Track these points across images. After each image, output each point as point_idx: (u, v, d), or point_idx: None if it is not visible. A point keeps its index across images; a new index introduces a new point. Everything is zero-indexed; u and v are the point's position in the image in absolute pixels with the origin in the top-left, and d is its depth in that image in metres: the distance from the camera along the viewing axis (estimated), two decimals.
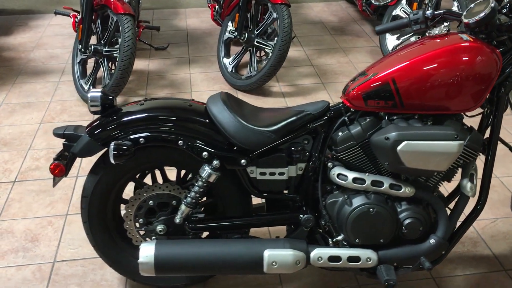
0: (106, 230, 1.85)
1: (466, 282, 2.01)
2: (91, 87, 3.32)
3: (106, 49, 3.22)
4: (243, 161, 1.69)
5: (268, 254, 1.66)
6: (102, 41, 3.25)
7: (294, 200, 1.78)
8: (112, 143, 1.62)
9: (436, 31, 1.71)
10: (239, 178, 1.74)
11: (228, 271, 1.74)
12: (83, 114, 3.19)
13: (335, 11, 4.95)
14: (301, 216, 1.75)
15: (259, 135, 1.67)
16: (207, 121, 1.71)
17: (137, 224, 1.84)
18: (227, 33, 3.59)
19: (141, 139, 1.67)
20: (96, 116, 1.75)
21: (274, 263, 1.66)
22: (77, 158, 1.79)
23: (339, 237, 1.73)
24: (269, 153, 1.71)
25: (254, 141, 1.67)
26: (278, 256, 1.66)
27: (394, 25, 1.86)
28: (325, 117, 1.73)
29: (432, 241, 1.70)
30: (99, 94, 1.72)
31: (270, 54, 3.26)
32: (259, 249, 1.68)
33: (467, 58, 1.57)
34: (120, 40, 3.06)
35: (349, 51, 4.09)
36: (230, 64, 3.56)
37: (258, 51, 3.51)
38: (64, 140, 1.77)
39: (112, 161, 1.62)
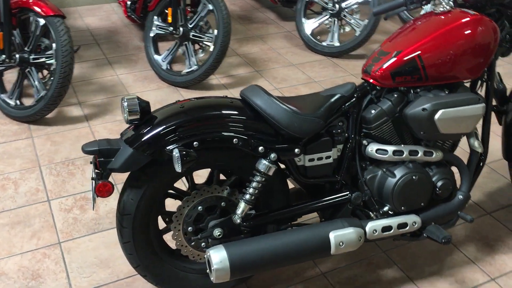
0: (150, 246, 1.72)
1: (460, 230, 2.27)
2: (17, 101, 2.96)
3: (34, 56, 2.88)
4: (297, 150, 1.70)
5: (334, 235, 1.71)
6: (26, 49, 2.89)
7: (335, 182, 1.84)
8: (176, 150, 1.51)
9: (440, 8, 1.88)
10: (281, 169, 1.75)
11: (299, 260, 1.74)
12: (16, 132, 2.83)
13: (232, 1, 5.01)
14: (350, 194, 1.83)
15: (311, 123, 1.69)
16: (254, 115, 1.68)
17: (186, 233, 1.74)
18: (154, 29, 3.44)
19: (195, 143, 1.58)
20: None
21: (341, 243, 1.71)
22: None
23: (385, 208, 1.84)
24: (315, 139, 1.74)
25: (306, 129, 1.69)
26: (343, 236, 1.71)
27: (391, 5, 1.99)
28: (354, 98, 1.81)
29: (460, 196, 1.91)
30: (137, 100, 1.58)
31: (212, 46, 3.21)
32: (324, 233, 1.71)
33: (478, 30, 1.77)
34: (54, 45, 2.76)
35: (266, 38, 4.19)
36: (163, 61, 3.42)
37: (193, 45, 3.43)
38: (95, 157, 1.59)
39: (179, 169, 1.50)
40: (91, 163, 1.65)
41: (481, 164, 2.00)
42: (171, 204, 1.92)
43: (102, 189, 1.54)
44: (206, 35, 3.30)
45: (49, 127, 2.91)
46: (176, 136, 1.57)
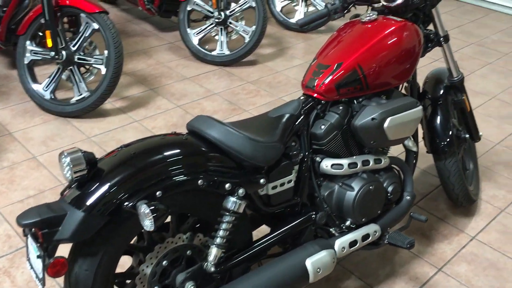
0: None
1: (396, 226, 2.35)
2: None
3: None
4: (262, 180, 1.58)
5: (310, 262, 1.63)
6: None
7: (296, 204, 1.76)
8: (144, 206, 1.29)
9: (367, 17, 1.89)
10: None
11: None
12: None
13: None
14: (314, 215, 1.76)
15: (273, 149, 1.59)
16: (212, 149, 1.52)
17: None
18: (28, 55, 3.02)
19: (158, 192, 1.37)
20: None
21: (318, 269, 1.64)
22: None
23: (347, 222, 1.81)
24: (276, 165, 1.64)
25: (270, 157, 1.58)
26: (319, 261, 1.64)
27: (314, 16, 1.96)
28: (302, 115, 1.75)
29: (408, 197, 1.96)
30: (80, 153, 1.33)
31: (104, 68, 2.91)
32: (299, 262, 1.63)
33: (406, 35, 1.82)
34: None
35: (150, 52, 3.95)
36: (45, 90, 3.02)
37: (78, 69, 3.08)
38: (35, 230, 1.31)
39: (151, 227, 1.29)
40: (26, 235, 1.36)
41: (415, 162, 2.09)
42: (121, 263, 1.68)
43: (58, 267, 1.26)
44: (95, 57, 2.99)
45: None
46: (135, 188, 1.36)
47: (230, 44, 3.84)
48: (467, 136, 2.33)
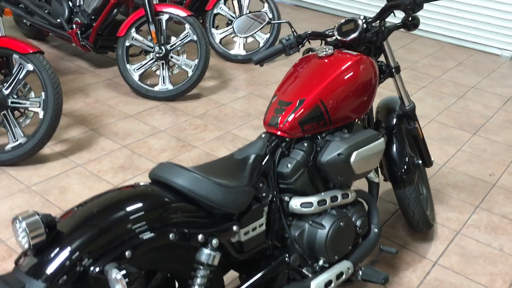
0: None
1: None
2: None
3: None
4: (235, 227, 1.50)
5: None
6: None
7: (267, 248, 1.69)
8: (115, 270, 1.16)
9: (323, 52, 1.88)
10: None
11: None
12: None
13: None
14: (287, 257, 1.69)
15: (244, 194, 1.51)
16: (180, 198, 1.42)
17: None
18: None
19: (127, 252, 1.25)
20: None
21: None
22: None
23: (320, 262, 1.75)
24: (247, 209, 1.56)
25: (242, 202, 1.50)
26: None
27: (270, 52, 1.93)
28: (268, 154, 1.69)
29: (375, 230, 1.94)
30: (37, 217, 1.19)
31: (42, 112, 2.72)
32: None
33: (363, 69, 1.83)
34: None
35: (87, 90, 3.77)
36: None
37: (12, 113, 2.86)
38: None
39: None
40: None
41: (377, 193, 2.08)
42: None
43: None
44: (30, 99, 2.79)
45: None
46: (101, 250, 1.23)
47: (173, 79, 3.75)
48: (420, 162, 2.38)
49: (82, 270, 1.20)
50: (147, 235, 1.30)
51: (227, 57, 4.49)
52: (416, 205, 2.25)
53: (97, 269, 1.21)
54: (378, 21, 1.97)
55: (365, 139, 1.79)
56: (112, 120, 3.37)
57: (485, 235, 2.51)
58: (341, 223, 1.76)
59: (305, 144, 1.74)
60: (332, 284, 1.74)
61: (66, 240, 1.22)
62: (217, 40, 4.48)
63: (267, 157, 1.68)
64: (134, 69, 3.69)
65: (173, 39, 3.71)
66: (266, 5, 4.37)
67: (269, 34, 4.41)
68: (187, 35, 3.66)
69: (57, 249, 1.20)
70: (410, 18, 1.97)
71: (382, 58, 2.09)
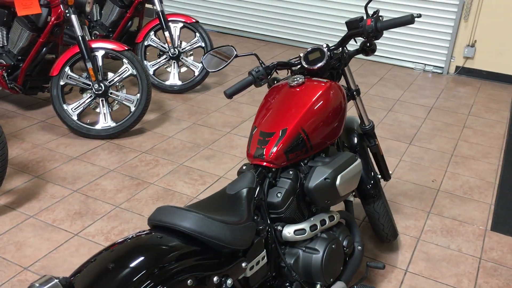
0: None
1: None
2: None
3: None
4: (244, 264, 1.49)
5: None
6: None
7: (268, 279, 1.69)
8: None
9: (295, 82, 1.94)
10: None
11: None
12: None
13: None
14: (289, 286, 1.70)
15: (248, 229, 1.51)
16: (188, 242, 1.38)
17: None
18: None
19: None
20: None
21: None
22: None
23: (318, 286, 1.78)
24: (251, 244, 1.56)
25: (248, 238, 1.51)
26: None
27: (241, 85, 1.96)
28: (258, 187, 1.71)
29: (359, 247, 2.01)
30: (56, 281, 1.12)
31: None
32: None
33: (334, 94, 1.92)
34: None
35: (21, 136, 3.55)
36: None
37: None
38: None
39: None
40: None
41: (353, 211, 2.17)
42: None
43: None
44: None
45: None
46: None
47: (113, 115, 3.63)
48: (379, 176, 2.50)
49: None
50: (169, 285, 1.26)
51: (163, 88, 4.44)
52: (385, 218, 2.36)
53: None
54: (340, 48, 2.07)
55: (345, 161, 1.86)
56: (56, 164, 3.19)
57: (442, 239, 2.69)
58: (333, 246, 1.81)
59: (291, 172, 1.78)
60: None
61: None
62: (151, 72, 4.43)
63: (258, 189, 1.70)
64: (71, 109, 3.54)
65: (110, 74, 3.62)
66: (197, 34, 4.40)
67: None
68: (126, 70, 3.58)
69: None
70: (368, 44, 2.09)
71: (342, 82, 2.20)
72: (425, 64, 5.45)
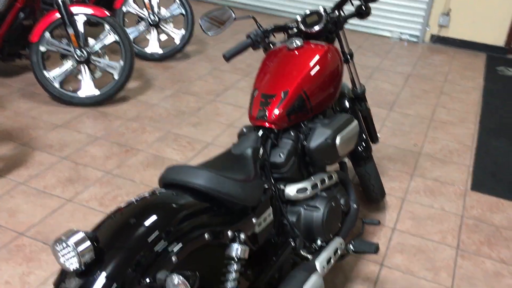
0: None
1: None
2: None
3: None
4: (254, 220, 1.54)
5: None
6: None
7: (272, 237, 1.75)
8: (173, 276, 1.16)
9: (294, 44, 1.96)
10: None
11: None
12: None
13: None
14: (293, 242, 1.76)
15: (258, 187, 1.56)
16: (202, 199, 1.42)
17: None
18: None
19: (172, 258, 1.24)
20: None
21: None
22: None
23: (318, 242, 1.85)
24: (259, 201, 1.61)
25: (258, 195, 1.55)
26: (313, 285, 1.67)
27: (239, 48, 1.97)
28: (262, 146, 1.75)
29: (354, 206, 2.09)
30: (83, 234, 1.14)
31: None
32: None
33: (333, 57, 1.96)
34: None
35: (1, 103, 3.46)
36: None
37: None
38: None
39: None
40: None
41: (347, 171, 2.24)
42: None
43: None
44: None
45: None
46: (149, 259, 1.21)
47: (96, 82, 3.58)
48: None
49: (134, 283, 1.17)
50: (188, 239, 1.30)
51: (143, 56, 4.38)
52: (376, 179, 2.45)
53: (148, 279, 1.19)
54: (336, 11, 2.10)
55: (343, 122, 1.91)
56: (40, 132, 3.15)
57: (426, 199, 2.81)
58: (333, 203, 1.88)
59: (292, 133, 1.83)
60: (332, 261, 1.86)
61: (112, 254, 1.18)
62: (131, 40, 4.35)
63: (262, 149, 1.73)
64: (53, 76, 3.47)
65: (91, 41, 3.54)
66: (177, 0, 4.33)
67: (184, 30, 4.38)
68: (107, 36, 3.51)
69: (105, 265, 1.16)
70: (364, 7, 2.13)
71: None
72: (401, 33, 5.53)
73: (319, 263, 1.79)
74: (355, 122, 1.97)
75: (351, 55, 2.27)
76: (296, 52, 1.94)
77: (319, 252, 1.84)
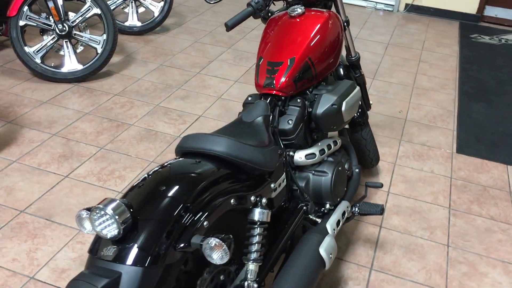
0: None
1: None
2: None
3: None
4: (272, 185, 1.57)
5: (323, 250, 1.69)
6: None
7: (285, 202, 1.78)
8: (210, 239, 1.18)
9: (295, 12, 1.96)
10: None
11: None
12: None
13: None
14: (304, 206, 1.80)
15: (275, 153, 1.58)
16: (223, 165, 1.43)
17: None
18: None
19: (205, 223, 1.26)
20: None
21: (330, 255, 1.71)
22: None
23: (327, 206, 1.90)
24: None
25: (275, 160, 1.58)
26: (329, 247, 1.72)
27: (241, 16, 1.96)
28: (270, 114, 1.77)
29: (356, 170, 2.14)
30: (118, 201, 1.15)
31: None
32: (314, 252, 1.67)
33: (334, 24, 1.98)
34: None
35: None
36: None
37: None
38: None
39: (226, 259, 1.19)
40: None
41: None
42: None
43: None
44: None
45: None
46: (183, 225, 1.23)
47: (81, 57, 3.50)
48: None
49: (170, 248, 1.19)
50: (217, 204, 1.32)
51: (122, 30, 4.29)
52: (371, 144, 2.51)
53: (182, 244, 1.21)
54: None
55: (347, 88, 1.95)
56: (26, 109, 3.07)
57: (415, 162, 2.90)
58: (339, 168, 1.93)
59: (299, 100, 1.85)
60: (341, 223, 1.91)
61: (146, 221, 1.19)
62: None
63: (270, 117, 1.76)
64: (34, 52, 3.36)
65: (71, 14, 3.45)
66: None
67: (163, 3, 4.30)
68: (89, 9, 3.42)
69: (140, 231, 1.18)
70: None
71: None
72: (376, 2, 5.58)
73: (330, 225, 1.84)
74: (358, 88, 2.01)
75: (347, 22, 2.29)
76: (297, 19, 1.95)
77: (328, 216, 1.90)
